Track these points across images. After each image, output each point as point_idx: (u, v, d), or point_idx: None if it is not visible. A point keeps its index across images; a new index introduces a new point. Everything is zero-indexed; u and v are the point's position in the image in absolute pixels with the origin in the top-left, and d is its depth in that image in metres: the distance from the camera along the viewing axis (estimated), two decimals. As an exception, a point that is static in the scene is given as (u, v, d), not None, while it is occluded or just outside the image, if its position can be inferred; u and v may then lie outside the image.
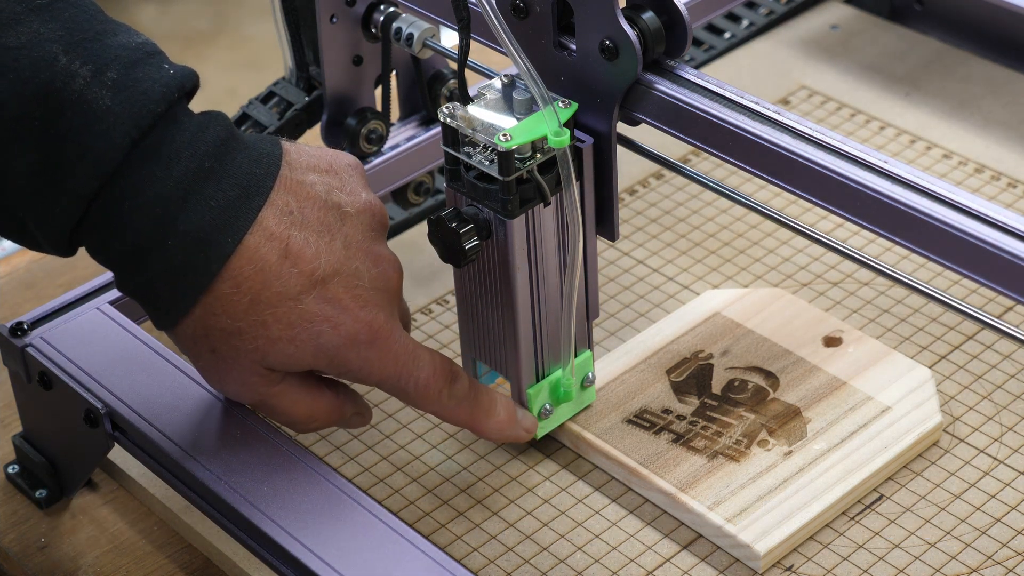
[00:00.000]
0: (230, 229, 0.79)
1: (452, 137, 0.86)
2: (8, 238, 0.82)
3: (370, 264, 0.83)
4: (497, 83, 0.87)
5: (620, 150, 0.89)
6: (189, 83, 0.80)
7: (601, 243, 1.07)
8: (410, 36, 1.02)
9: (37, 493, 0.98)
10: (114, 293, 0.98)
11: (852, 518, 0.92)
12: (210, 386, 0.85)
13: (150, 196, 0.78)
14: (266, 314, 0.80)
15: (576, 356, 0.93)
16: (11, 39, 0.77)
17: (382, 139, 1.07)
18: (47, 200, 0.78)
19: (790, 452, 0.93)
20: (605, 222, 0.90)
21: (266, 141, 0.82)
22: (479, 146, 0.85)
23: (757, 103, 0.83)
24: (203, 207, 0.78)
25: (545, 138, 0.84)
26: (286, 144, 0.84)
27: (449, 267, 1.03)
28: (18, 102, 0.76)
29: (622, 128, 0.88)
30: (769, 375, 0.98)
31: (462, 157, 0.86)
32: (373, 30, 1.04)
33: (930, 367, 0.99)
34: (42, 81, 0.76)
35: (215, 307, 0.80)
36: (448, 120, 0.85)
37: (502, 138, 0.83)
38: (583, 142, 0.87)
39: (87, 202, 0.78)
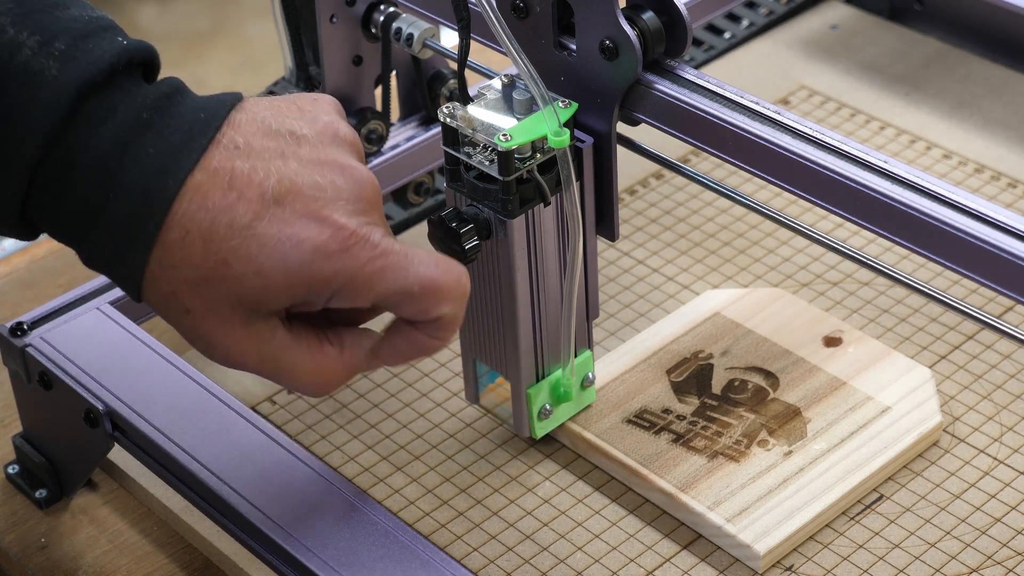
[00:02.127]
0: (171, 172, 0.75)
1: (452, 137, 0.86)
2: None
3: (334, 175, 0.77)
4: (497, 83, 0.87)
5: (620, 150, 0.89)
6: (140, 55, 0.76)
7: (601, 243, 1.07)
8: (410, 36, 1.02)
9: (37, 493, 0.98)
10: (114, 293, 0.99)
11: (852, 518, 0.92)
12: (208, 358, 0.80)
13: (89, 156, 0.75)
14: (224, 251, 0.75)
15: (576, 356, 0.93)
16: None
17: (382, 139, 1.07)
18: None
19: (790, 452, 0.93)
20: (605, 222, 0.90)
21: (224, 95, 0.78)
22: (479, 146, 0.85)
23: (757, 103, 0.83)
24: (143, 156, 0.75)
25: (545, 138, 0.84)
26: (251, 97, 0.79)
27: (449, 267, 1.03)
28: None
29: (622, 128, 0.88)
30: (769, 375, 0.98)
31: (462, 157, 0.86)
32: (373, 30, 1.04)
33: (930, 367, 0.99)
34: None
35: (171, 259, 0.75)
36: (448, 120, 0.85)
37: (502, 138, 0.83)
38: (583, 142, 0.87)
39: (31, 171, 0.75)
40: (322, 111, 0.79)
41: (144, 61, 0.77)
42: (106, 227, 0.76)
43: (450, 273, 0.78)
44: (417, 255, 0.77)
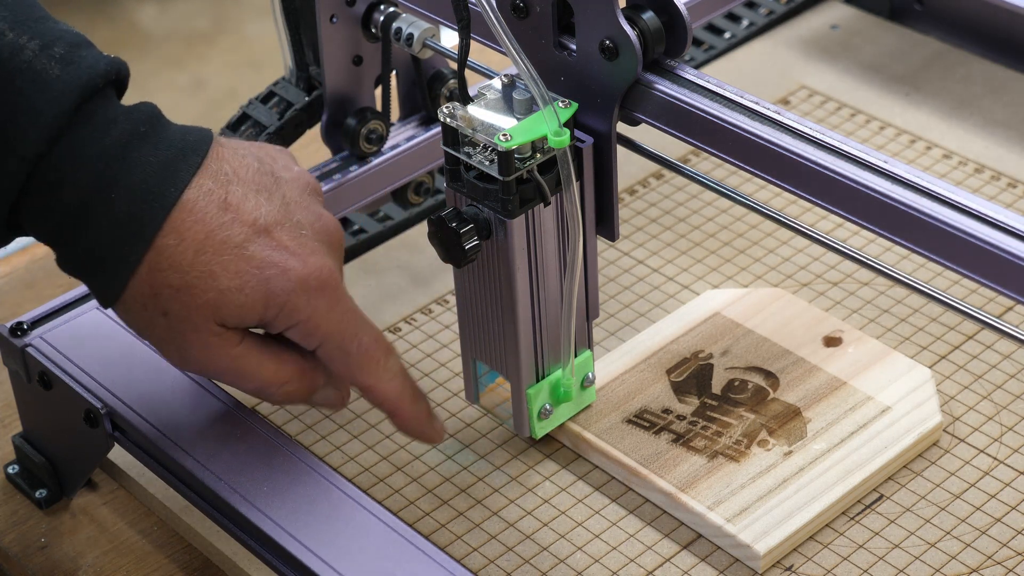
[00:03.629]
0: (171, 181, 0.81)
1: (452, 137, 0.86)
2: None
3: (312, 217, 0.84)
4: (497, 83, 0.87)
5: (620, 150, 0.89)
6: (124, 71, 0.82)
7: (601, 243, 1.07)
8: (410, 36, 1.02)
9: (37, 493, 0.98)
10: (114, 293, 0.98)
11: (852, 518, 0.92)
12: (173, 364, 0.85)
13: (91, 154, 0.80)
14: (213, 263, 0.81)
15: (576, 356, 0.93)
16: None
17: (382, 139, 1.07)
18: None
19: (790, 452, 0.93)
20: (605, 222, 0.90)
21: (194, 126, 0.84)
22: (479, 146, 0.85)
23: (757, 103, 0.83)
24: (143, 163, 0.80)
25: (545, 138, 0.84)
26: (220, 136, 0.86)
27: (449, 267, 1.03)
28: None
29: (622, 128, 0.88)
30: (769, 375, 0.98)
31: (462, 157, 0.86)
32: (373, 30, 1.04)
33: (930, 367, 0.99)
34: None
35: (160, 262, 0.81)
36: (448, 120, 0.85)
37: (502, 138, 0.83)
38: (583, 142, 0.87)
39: (33, 164, 0.79)
40: (290, 162, 0.87)
41: (125, 76, 0.83)
42: (103, 223, 0.80)
43: (383, 347, 0.86)
44: (365, 321, 0.85)
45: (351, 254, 1.10)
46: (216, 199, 0.81)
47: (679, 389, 0.97)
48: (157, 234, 0.80)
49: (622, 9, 0.84)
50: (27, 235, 0.83)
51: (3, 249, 1.19)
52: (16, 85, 0.79)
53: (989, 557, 0.89)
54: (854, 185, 0.78)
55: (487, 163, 0.85)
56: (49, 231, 0.82)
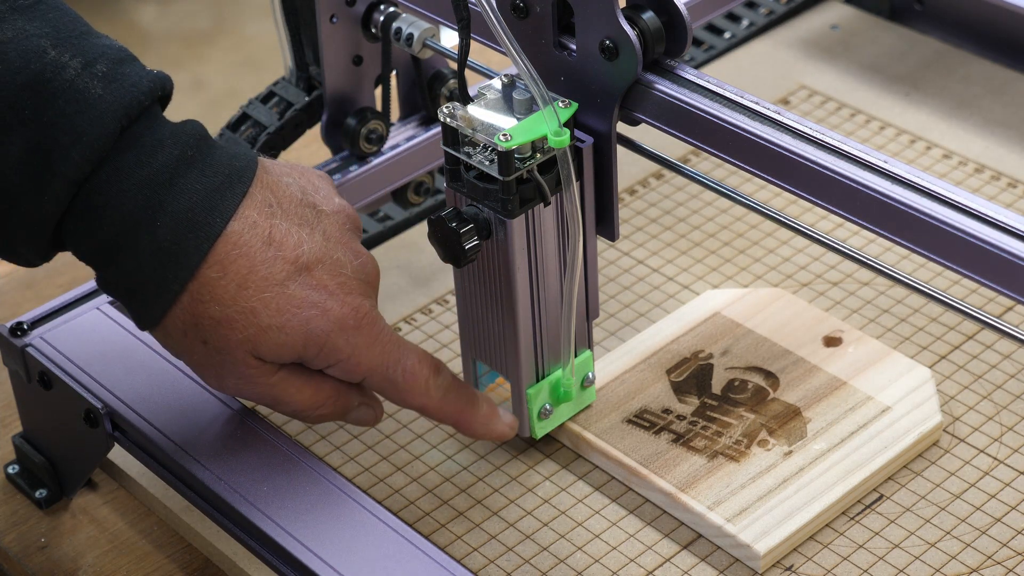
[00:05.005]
0: (217, 210, 0.80)
1: (452, 137, 0.86)
2: None
3: (351, 256, 0.84)
4: (497, 83, 0.87)
5: (620, 150, 0.89)
6: (169, 85, 0.82)
7: (601, 243, 1.07)
8: (410, 36, 1.02)
9: (37, 493, 0.98)
10: (114, 293, 0.99)
11: (852, 518, 0.92)
12: (210, 386, 0.85)
13: (138, 179, 0.79)
14: (254, 300, 0.81)
15: (576, 356, 0.93)
16: None
17: (382, 139, 1.07)
18: (37, 186, 0.79)
19: (790, 452, 0.93)
20: (605, 222, 0.90)
21: (241, 144, 0.84)
22: (479, 146, 0.85)
23: (757, 103, 0.83)
24: (189, 190, 0.80)
25: (545, 138, 0.84)
26: (264, 158, 0.85)
27: (449, 267, 1.03)
28: (8, 91, 0.78)
29: (622, 128, 0.88)
30: (769, 375, 0.98)
31: (462, 157, 0.86)
32: (373, 30, 1.04)
33: (930, 367, 0.99)
34: (33, 71, 0.78)
35: (202, 293, 0.81)
36: (448, 120, 0.85)
37: (502, 138, 0.83)
38: (583, 142, 0.87)
39: (77, 186, 0.79)
40: (331, 191, 0.87)
41: (170, 91, 0.82)
42: (146, 249, 0.80)
43: (429, 365, 0.86)
44: (406, 346, 0.86)
45: (351, 254, 1.10)
46: (260, 233, 0.81)
47: (679, 389, 0.97)
48: (201, 265, 0.80)
49: (622, 9, 0.84)
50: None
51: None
52: (59, 105, 0.78)
53: (989, 557, 0.89)
54: (854, 185, 0.78)
55: (487, 163, 0.85)
56: (91, 253, 0.81)
